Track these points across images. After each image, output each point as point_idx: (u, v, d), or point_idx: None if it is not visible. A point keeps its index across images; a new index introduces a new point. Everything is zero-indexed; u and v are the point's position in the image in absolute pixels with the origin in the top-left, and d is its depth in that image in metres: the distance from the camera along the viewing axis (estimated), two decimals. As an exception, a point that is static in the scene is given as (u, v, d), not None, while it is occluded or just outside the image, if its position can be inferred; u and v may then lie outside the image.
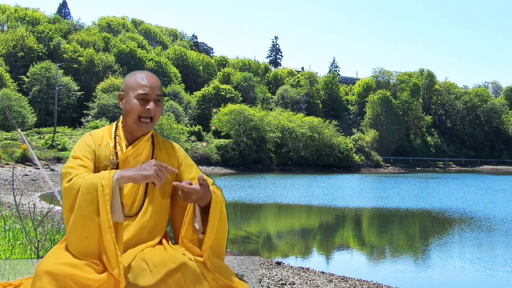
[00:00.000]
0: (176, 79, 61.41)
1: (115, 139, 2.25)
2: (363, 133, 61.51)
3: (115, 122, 2.33)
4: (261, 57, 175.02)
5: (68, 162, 2.16)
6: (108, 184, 1.99)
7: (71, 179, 2.06)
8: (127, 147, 2.24)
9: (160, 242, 2.25)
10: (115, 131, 2.27)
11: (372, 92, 68.23)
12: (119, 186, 2.02)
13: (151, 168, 2.00)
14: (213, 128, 49.67)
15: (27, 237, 4.51)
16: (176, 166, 2.29)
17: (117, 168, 2.19)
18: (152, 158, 2.24)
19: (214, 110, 51.25)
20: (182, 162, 2.32)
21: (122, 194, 2.04)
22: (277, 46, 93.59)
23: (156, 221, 2.24)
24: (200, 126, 49.81)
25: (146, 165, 2.02)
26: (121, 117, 2.32)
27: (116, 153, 2.21)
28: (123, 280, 1.97)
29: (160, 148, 2.30)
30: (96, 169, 2.18)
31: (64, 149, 34.54)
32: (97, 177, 2.01)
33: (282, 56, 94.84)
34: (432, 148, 69.14)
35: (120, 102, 2.27)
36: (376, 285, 6.81)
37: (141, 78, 2.22)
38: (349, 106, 71.78)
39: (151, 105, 2.19)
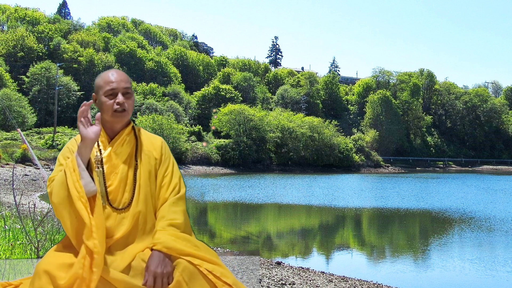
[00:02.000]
0: (176, 79, 61.40)
1: None
2: (363, 133, 61.49)
3: None
4: (261, 57, 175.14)
5: (53, 171, 2.27)
6: (72, 159, 2.17)
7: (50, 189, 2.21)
8: (109, 142, 2.32)
9: None
10: None
11: (372, 92, 68.21)
12: (83, 158, 2.18)
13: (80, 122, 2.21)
14: (213, 128, 49.69)
15: (27, 237, 4.51)
16: (158, 159, 2.36)
17: (101, 163, 2.26)
18: (136, 150, 2.34)
19: (214, 110, 51.25)
20: (162, 158, 2.38)
21: (90, 167, 2.22)
22: (277, 46, 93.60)
23: (149, 210, 2.28)
24: (200, 126, 49.81)
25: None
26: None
27: (100, 150, 2.30)
28: (100, 255, 2.02)
29: (143, 140, 2.38)
30: None
31: (64, 149, 34.50)
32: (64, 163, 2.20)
33: (282, 56, 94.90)
34: (432, 148, 69.13)
35: (95, 103, 2.39)
36: (376, 285, 6.81)
37: (106, 76, 2.34)
38: (349, 106, 71.77)
39: (119, 98, 2.29)
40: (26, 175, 24.13)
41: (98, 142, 2.32)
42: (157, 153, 2.37)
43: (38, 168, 25.16)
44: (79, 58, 54.78)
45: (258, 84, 65.33)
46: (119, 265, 2.06)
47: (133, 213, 2.22)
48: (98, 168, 2.24)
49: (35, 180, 22.49)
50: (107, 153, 2.29)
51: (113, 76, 2.32)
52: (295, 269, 7.44)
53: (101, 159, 2.26)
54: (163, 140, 2.45)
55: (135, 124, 2.44)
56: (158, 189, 2.32)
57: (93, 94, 2.39)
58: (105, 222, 2.20)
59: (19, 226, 5.29)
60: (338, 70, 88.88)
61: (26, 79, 48.95)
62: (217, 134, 49.33)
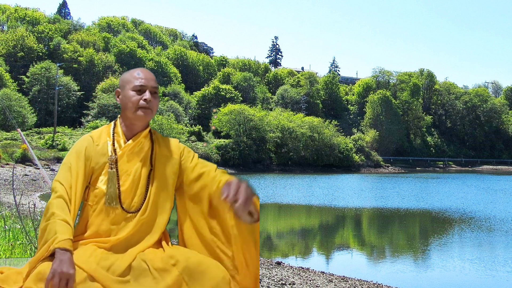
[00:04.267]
0: (176, 79, 61.38)
1: (113, 136, 2.29)
2: (363, 133, 61.49)
3: (114, 121, 2.37)
4: (261, 57, 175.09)
5: (59, 171, 2.22)
6: (50, 249, 2.01)
7: (52, 202, 2.12)
8: (125, 143, 2.27)
9: (160, 243, 2.25)
10: (113, 128, 2.31)
11: (372, 92, 68.21)
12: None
13: (56, 276, 1.95)
14: (213, 128, 49.69)
15: (27, 237, 4.51)
16: (178, 159, 2.31)
17: (116, 164, 2.21)
18: (151, 153, 2.29)
19: (214, 110, 51.25)
20: (184, 153, 2.34)
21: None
22: (277, 46, 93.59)
23: (157, 218, 2.25)
24: (200, 126, 49.79)
25: (57, 272, 1.95)
26: (119, 115, 2.37)
27: (114, 150, 2.25)
28: None
29: (160, 144, 2.33)
30: (95, 168, 2.22)
31: (64, 149, 34.53)
32: (50, 233, 2.04)
33: (282, 56, 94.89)
34: (432, 148, 69.13)
35: (117, 99, 2.34)
36: (376, 285, 6.81)
37: (136, 73, 2.30)
38: (349, 106, 71.77)
39: (147, 95, 2.25)
40: (26, 175, 24.12)
41: (114, 142, 2.28)
42: (176, 154, 2.32)
43: (38, 168, 25.14)
44: (79, 58, 54.77)
45: (258, 84, 65.32)
46: (120, 265, 2.06)
47: (140, 217, 2.20)
48: (111, 168, 2.21)
49: (35, 180, 22.48)
50: (122, 153, 2.25)
51: (144, 73, 2.30)
52: (295, 269, 7.44)
53: (116, 160, 2.22)
54: (179, 142, 2.41)
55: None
56: (199, 176, 2.28)
57: (117, 89, 2.35)
58: (113, 223, 2.18)
59: (19, 226, 5.29)
60: (338, 70, 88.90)
61: (26, 79, 48.94)
62: (217, 134, 49.32)
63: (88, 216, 2.20)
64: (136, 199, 2.22)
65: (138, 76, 2.28)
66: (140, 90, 2.25)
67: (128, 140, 2.28)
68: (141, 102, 2.23)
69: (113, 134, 2.29)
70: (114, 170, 2.21)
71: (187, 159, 2.33)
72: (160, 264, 2.07)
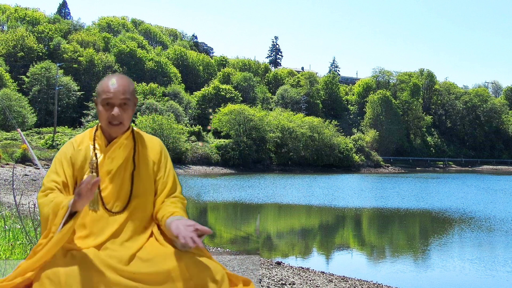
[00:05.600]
0: (176, 79, 61.40)
1: (94, 140, 2.31)
2: (363, 133, 61.49)
3: (96, 124, 2.40)
4: (261, 57, 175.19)
5: (46, 174, 2.26)
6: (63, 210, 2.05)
7: (41, 200, 2.16)
8: (106, 146, 2.29)
9: (154, 237, 2.25)
10: (95, 132, 2.34)
11: (372, 92, 68.21)
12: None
13: (79, 195, 2.00)
14: (208, 127, 49.85)
15: (27, 237, 4.51)
16: (157, 162, 2.34)
17: (96, 168, 2.22)
18: (134, 153, 2.30)
19: (210, 110, 51.40)
20: (161, 160, 2.36)
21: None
22: (277, 46, 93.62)
23: (143, 216, 2.27)
24: (200, 126, 49.83)
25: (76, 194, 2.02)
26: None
27: (96, 154, 2.27)
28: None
29: (142, 144, 2.35)
30: (77, 171, 2.25)
31: (64, 149, 34.48)
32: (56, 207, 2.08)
33: (282, 56, 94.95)
34: (432, 148, 69.13)
35: (96, 107, 2.35)
36: (376, 285, 6.81)
37: (106, 85, 2.27)
38: (349, 106, 71.76)
39: (115, 111, 2.22)
40: (26, 175, 24.12)
41: (94, 144, 2.29)
42: (155, 156, 2.34)
43: (38, 168, 25.15)
44: (79, 58, 54.78)
45: (258, 84, 65.33)
46: (122, 256, 2.08)
47: (126, 217, 2.21)
48: (92, 172, 2.20)
49: (35, 180, 22.48)
50: (103, 156, 2.26)
51: (113, 86, 2.23)
52: (295, 269, 7.44)
53: (96, 163, 2.22)
54: (161, 142, 2.42)
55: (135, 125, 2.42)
56: (156, 195, 2.31)
57: (95, 98, 2.36)
58: (97, 224, 2.18)
59: (19, 226, 5.29)
60: (338, 70, 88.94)
61: (26, 79, 48.95)
62: (217, 134, 49.35)
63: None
64: (120, 199, 2.23)
65: (106, 88, 2.24)
66: (108, 104, 2.23)
67: (109, 142, 2.29)
68: (110, 118, 2.23)
69: (94, 138, 2.31)
70: (94, 174, 2.21)
71: (161, 169, 2.35)
72: (160, 257, 2.10)
